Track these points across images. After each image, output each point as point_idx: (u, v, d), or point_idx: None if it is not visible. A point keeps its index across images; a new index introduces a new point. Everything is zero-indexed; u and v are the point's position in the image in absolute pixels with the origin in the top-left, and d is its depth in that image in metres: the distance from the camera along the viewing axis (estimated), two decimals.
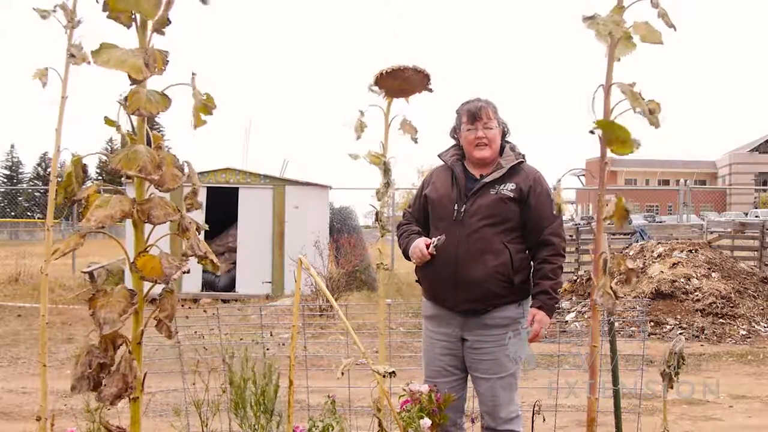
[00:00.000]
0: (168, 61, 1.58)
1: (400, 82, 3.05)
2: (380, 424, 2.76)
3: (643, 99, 1.71)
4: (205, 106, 1.70)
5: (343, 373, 2.64)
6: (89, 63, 2.30)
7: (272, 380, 2.52)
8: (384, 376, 2.53)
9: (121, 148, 1.61)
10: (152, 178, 1.55)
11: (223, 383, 2.91)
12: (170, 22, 1.60)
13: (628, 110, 1.75)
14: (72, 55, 2.29)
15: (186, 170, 1.65)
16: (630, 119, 1.74)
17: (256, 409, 2.55)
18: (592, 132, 1.73)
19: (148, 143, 1.63)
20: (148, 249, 1.60)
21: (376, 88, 3.05)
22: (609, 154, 1.80)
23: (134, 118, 1.61)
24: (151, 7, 1.56)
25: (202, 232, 1.74)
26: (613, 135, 1.73)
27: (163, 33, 1.61)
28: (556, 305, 3.30)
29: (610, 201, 1.83)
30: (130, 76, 1.55)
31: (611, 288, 1.76)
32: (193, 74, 1.67)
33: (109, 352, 1.59)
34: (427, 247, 3.25)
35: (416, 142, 3.13)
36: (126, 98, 1.56)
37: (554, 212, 3.30)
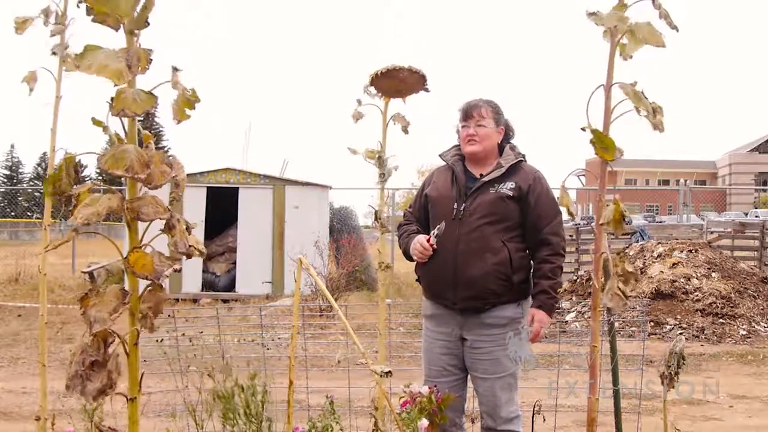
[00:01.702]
0: (152, 59, 1.57)
1: (397, 83, 3.03)
2: (375, 424, 2.76)
3: (647, 98, 1.70)
4: (188, 101, 1.69)
5: (339, 361, 2.63)
6: (78, 67, 2.31)
7: (258, 390, 2.52)
8: (381, 376, 2.52)
9: (109, 147, 1.62)
10: (139, 177, 1.56)
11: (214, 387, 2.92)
12: (148, 24, 1.59)
13: (630, 111, 1.74)
14: (54, 53, 2.30)
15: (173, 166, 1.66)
16: (630, 120, 1.73)
17: (245, 419, 2.55)
18: (583, 129, 1.73)
19: (140, 142, 1.64)
20: (141, 248, 1.61)
21: (371, 89, 3.04)
22: None
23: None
24: (128, 8, 1.55)
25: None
26: (598, 141, 1.73)
27: (137, 35, 1.60)
28: (556, 305, 3.30)
29: (610, 202, 1.83)
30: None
31: (619, 289, 1.75)
32: (174, 68, 1.66)
33: (101, 349, 1.60)
34: (428, 241, 3.25)
35: (407, 132, 3.10)
36: (112, 99, 1.56)
37: (558, 212, 3.31)
